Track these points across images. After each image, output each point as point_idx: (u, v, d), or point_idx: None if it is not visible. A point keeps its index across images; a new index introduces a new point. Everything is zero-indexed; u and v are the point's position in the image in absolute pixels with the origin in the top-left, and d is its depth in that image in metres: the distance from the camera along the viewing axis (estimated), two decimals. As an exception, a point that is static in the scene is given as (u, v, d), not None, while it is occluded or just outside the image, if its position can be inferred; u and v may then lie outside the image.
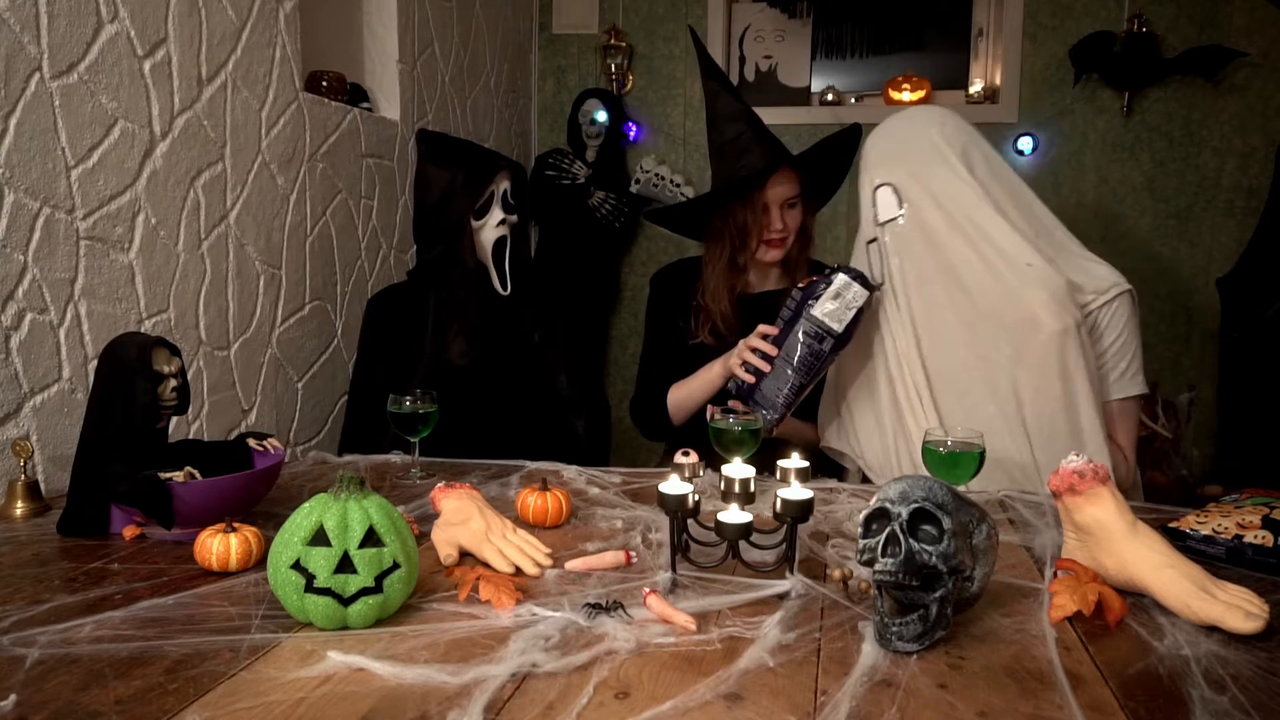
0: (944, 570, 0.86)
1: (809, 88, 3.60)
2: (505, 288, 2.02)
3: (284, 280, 2.01)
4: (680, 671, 0.82)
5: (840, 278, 1.58)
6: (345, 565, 0.89)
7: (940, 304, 1.55)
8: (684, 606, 0.94)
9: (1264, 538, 1.08)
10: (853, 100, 3.57)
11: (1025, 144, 3.29)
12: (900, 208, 1.57)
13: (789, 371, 1.61)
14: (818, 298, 1.59)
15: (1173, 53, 3.16)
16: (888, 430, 1.64)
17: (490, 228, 2.00)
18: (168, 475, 1.20)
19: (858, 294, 1.57)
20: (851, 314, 1.58)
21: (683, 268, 2.08)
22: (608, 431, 2.22)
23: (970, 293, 1.51)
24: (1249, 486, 1.29)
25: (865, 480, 1.76)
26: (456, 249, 1.98)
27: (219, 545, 1.06)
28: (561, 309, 2.22)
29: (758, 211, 1.86)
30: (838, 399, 1.77)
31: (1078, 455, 1.04)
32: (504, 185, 2.02)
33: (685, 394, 1.91)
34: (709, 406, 1.66)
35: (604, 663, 0.83)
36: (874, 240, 1.62)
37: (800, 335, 1.60)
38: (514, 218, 2.03)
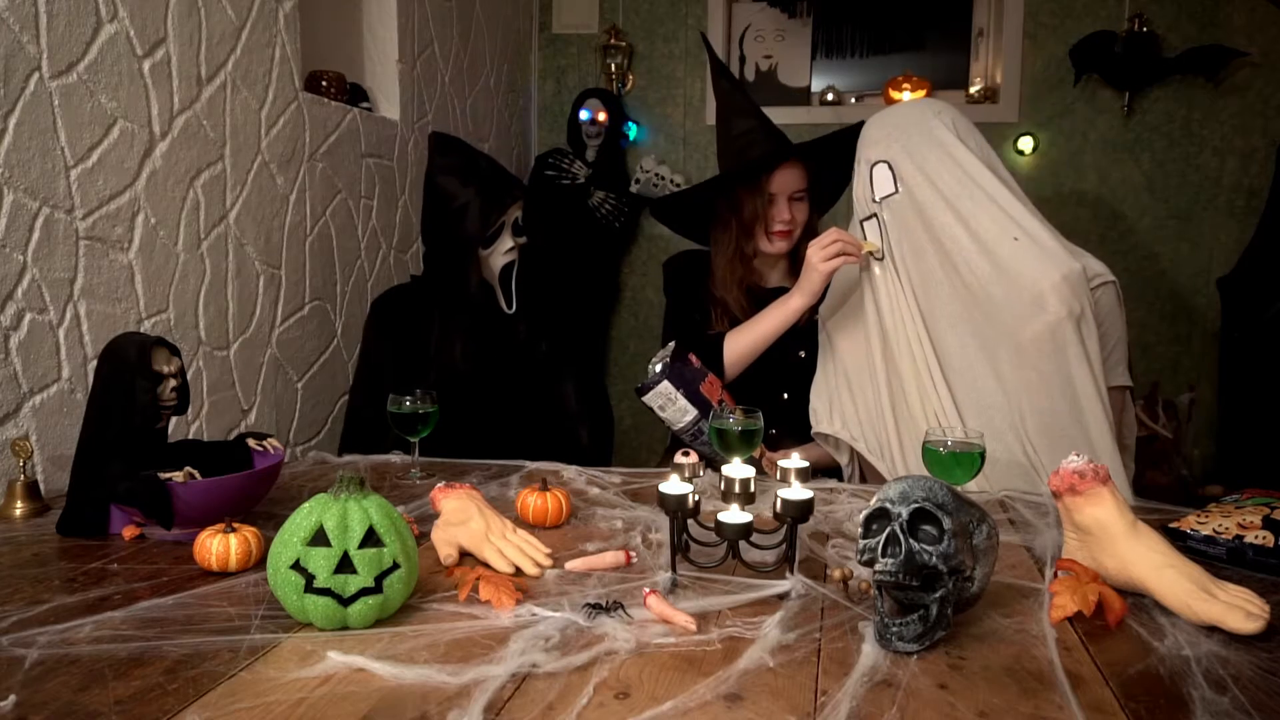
0: (944, 570, 0.85)
1: (809, 88, 3.60)
2: (510, 306, 2.01)
3: (284, 280, 2.01)
4: (680, 671, 0.82)
5: (645, 401, 1.67)
6: (345, 565, 0.89)
7: (936, 280, 1.58)
8: (684, 606, 0.93)
9: (1265, 538, 1.08)
10: (853, 100, 3.57)
11: (1025, 144, 3.28)
12: (895, 184, 1.61)
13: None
14: (667, 424, 1.70)
15: (1173, 52, 3.15)
16: (885, 409, 1.65)
17: (499, 254, 1.98)
18: (168, 475, 1.20)
19: (663, 390, 1.65)
20: (683, 398, 1.65)
21: (694, 260, 2.08)
22: (610, 439, 2.22)
23: (959, 270, 1.55)
24: (1249, 487, 1.29)
25: (864, 479, 1.76)
26: (464, 269, 1.98)
27: (219, 545, 1.06)
28: (567, 317, 2.20)
29: (764, 201, 1.89)
30: (832, 382, 1.78)
31: (1079, 455, 1.04)
32: (515, 214, 1.99)
33: (752, 336, 1.81)
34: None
35: (604, 663, 0.83)
36: (871, 217, 1.66)
37: (691, 443, 1.68)
38: (523, 239, 2.02)
